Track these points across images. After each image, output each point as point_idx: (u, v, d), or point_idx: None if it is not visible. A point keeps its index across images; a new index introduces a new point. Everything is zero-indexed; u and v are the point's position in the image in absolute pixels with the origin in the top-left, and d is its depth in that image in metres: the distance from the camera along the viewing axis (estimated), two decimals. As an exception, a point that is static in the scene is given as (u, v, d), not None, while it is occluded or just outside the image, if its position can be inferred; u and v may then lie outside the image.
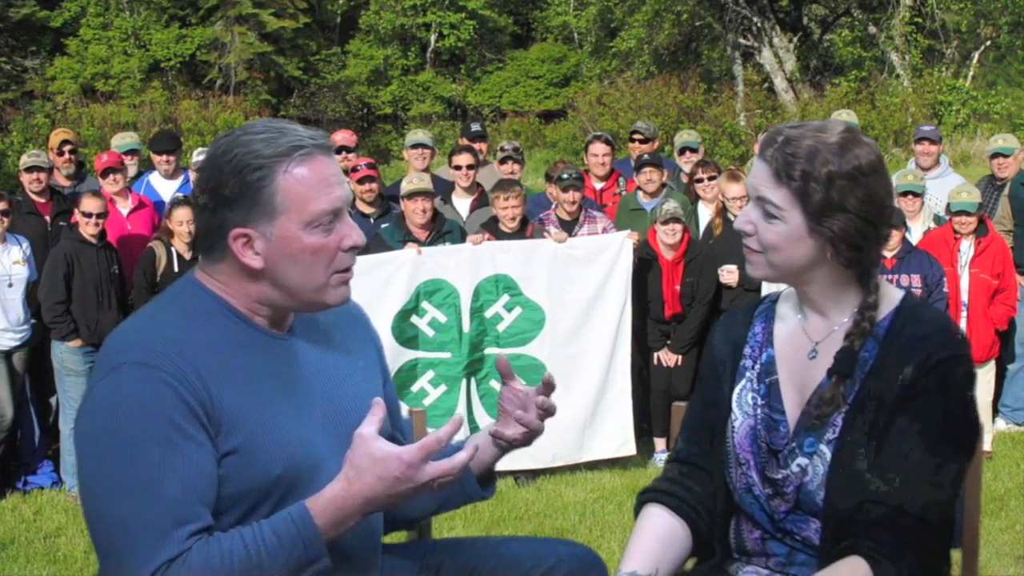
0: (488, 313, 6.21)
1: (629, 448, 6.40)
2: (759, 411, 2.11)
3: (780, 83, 22.77)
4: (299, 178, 1.89)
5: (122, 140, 7.86)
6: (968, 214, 6.45)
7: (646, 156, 7.29)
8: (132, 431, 1.77)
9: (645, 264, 6.51)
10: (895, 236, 6.10)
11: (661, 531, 2.13)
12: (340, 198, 1.94)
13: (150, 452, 1.76)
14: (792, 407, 2.07)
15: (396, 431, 2.23)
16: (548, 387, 2.15)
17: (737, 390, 2.15)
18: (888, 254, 6.10)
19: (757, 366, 2.14)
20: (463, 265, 6.15)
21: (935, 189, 7.18)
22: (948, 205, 6.73)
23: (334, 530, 1.84)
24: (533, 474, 6.22)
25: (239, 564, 1.77)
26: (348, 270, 1.97)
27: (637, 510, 2.20)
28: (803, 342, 2.10)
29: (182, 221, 6.16)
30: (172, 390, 1.79)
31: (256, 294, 1.95)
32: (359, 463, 1.82)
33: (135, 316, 1.97)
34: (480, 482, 2.22)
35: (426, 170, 7.25)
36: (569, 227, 6.56)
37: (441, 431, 1.85)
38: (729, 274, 6.42)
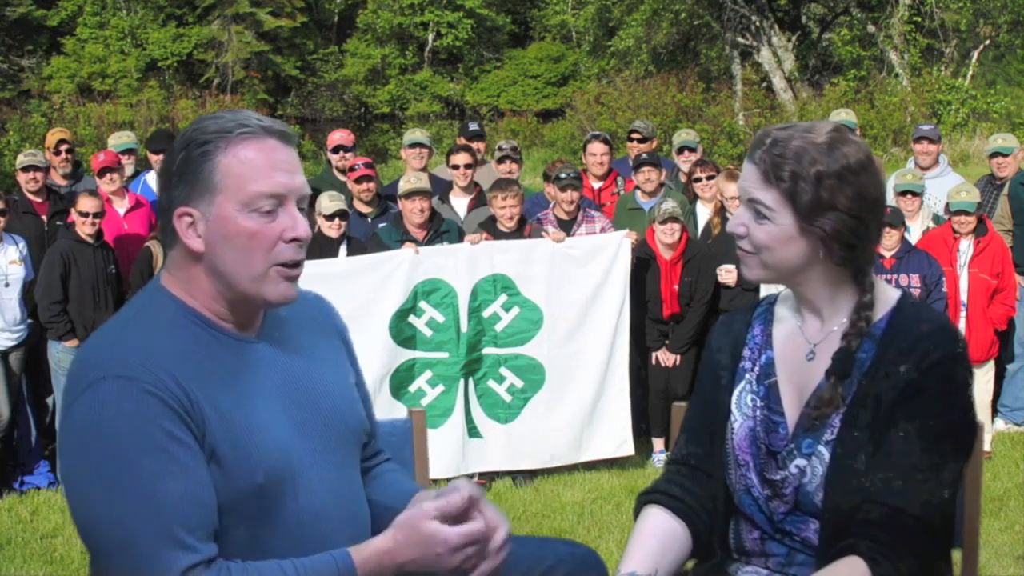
0: (486, 313, 6.20)
1: (627, 448, 6.39)
2: (758, 413, 2.11)
3: (779, 82, 22.75)
4: (240, 157, 1.85)
5: (119, 139, 7.84)
6: (967, 214, 6.43)
7: (644, 155, 7.27)
8: (124, 445, 1.74)
9: (643, 264, 6.50)
10: (894, 235, 6.09)
11: (661, 532, 2.13)
12: (284, 185, 1.87)
13: (146, 463, 1.74)
14: (791, 409, 2.07)
15: (370, 422, 2.17)
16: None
17: (736, 392, 2.15)
18: (887, 254, 6.09)
19: (756, 368, 2.14)
20: (461, 265, 6.13)
21: (934, 188, 7.16)
22: (947, 205, 6.72)
23: None
24: (531, 474, 6.20)
25: None
26: (295, 266, 1.90)
27: (637, 511, 2.20)
28: (801, 344, 2.10)
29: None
30: (156, 398, 1.76)
31: (206, 285, 1.89)
32: (407, 533, 1.84)
33: (105, 328, 1.91)
34: None
35: (424, 169, 7.23)
36: (567, 227, 6.54)
37: (484, 522, 1.87)
38: (727, 273, 6.41)
